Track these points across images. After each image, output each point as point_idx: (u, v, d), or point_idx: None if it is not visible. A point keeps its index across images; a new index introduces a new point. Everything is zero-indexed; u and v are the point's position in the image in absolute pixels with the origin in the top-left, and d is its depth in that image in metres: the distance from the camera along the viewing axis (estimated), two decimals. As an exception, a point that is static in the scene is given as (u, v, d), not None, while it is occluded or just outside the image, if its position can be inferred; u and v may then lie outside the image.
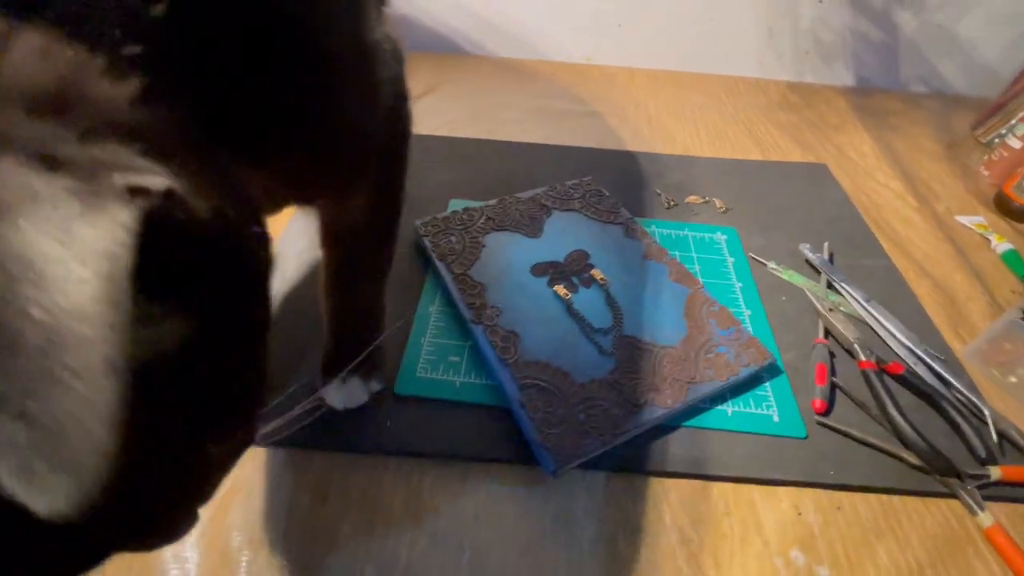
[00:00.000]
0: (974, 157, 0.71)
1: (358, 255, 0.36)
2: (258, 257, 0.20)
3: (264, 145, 0.23)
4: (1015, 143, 0.62)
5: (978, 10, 0.76)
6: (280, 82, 0.23)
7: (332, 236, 0.35)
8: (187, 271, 0.16)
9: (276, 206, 0.29)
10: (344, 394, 0.36)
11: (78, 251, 0.13)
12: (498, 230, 0.49)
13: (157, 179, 0.15)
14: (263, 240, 0.21)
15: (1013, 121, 0.69)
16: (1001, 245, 0.55)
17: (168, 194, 0.15)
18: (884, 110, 0.80)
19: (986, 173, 0.66)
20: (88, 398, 0.13)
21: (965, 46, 0.80)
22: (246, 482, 0.34)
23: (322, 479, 0.34)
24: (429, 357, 0.41)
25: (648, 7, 0.79)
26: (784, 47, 0.82)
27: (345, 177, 0.31)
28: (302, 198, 0.32)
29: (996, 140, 0.71)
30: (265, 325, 0.21)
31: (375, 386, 0.37)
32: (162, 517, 0.19)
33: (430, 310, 0.44)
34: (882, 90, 0.84)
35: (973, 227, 0.58)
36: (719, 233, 0.54)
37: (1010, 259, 0.54)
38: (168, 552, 0.31)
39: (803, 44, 0.81)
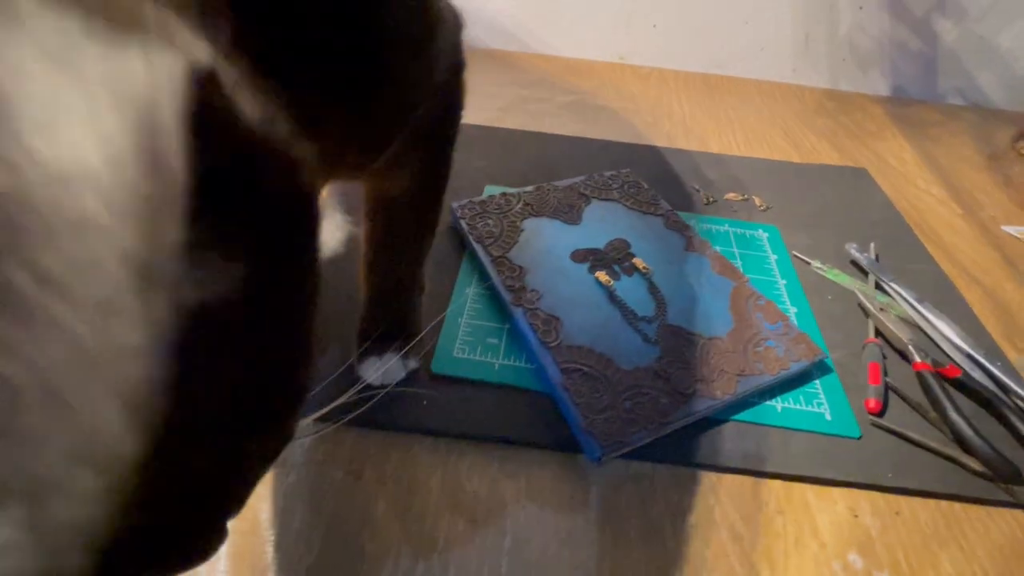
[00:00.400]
0: (1016, 169, 0.69)
1: (402, 228, 0.35)
2: (311, 200, 0.17)
3: (317, 107, 0.21)
4: (1064, 154, 0.61)
5: (1022, 21, 0.75)
6: (340, 43, 0.21)
7: (376, 208, 0.34)
8: (240, 185, 0.13)
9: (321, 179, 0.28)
10: (381, 370, 0.35)
11: (98, 89, 0.09)
12: (536, 216, 0.48)
13: (203, 51, 0.12)
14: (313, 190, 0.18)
15: (1058, 133, 0.67)
16: (1053, 255, 0.53)
17: (210, 77, 0.12)
18: (921, 120, 0.78)
19: (1031, 184, 0.64)
20: (103, 371, 0.10)
21: (1006, 57, 0.79)
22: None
23: (356, 455, 0.33)
24: (466, 338, 0.39)
25: (683, 9, 0.79)
26: (820, 53, 0.81)
27: (396, 145, 0.29)
28: (350, 168, 0.30)
29: (1040, 152, 0.69)
30: (316, 289, 0.18)
31: (412, 364, 0.36)
32: (191, 530, 0.15)
33: (466, 292, 0.43)
34: (918, 100, 0.83)
35: (1020, 237, 0.57)
36: (760, 230, 0.52)
37: (1063, 269, 0.52)
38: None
39: (840, 51, 0.80)
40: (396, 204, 0.34)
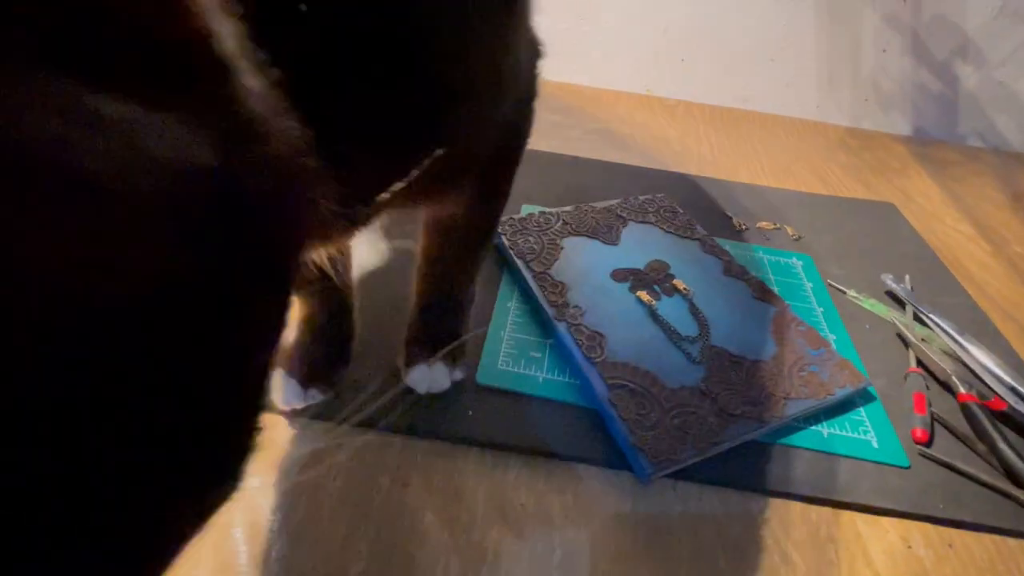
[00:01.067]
0: (1040, 210, 0.70)
1: (458, 246, 0.35)
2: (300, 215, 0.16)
3: (394, 138, 0.21)
4: (1090, 196, 0.62)
5: (1039, 71, 0.77)
6: (424, 74, 0.20)
7: (435, 226, 0.34)
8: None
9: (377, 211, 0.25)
10: (429, 378, 0.35)
11: None
12: (575, 234, 0.49)
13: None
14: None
15: (1082, 177, 0.68)
16: (1086, 294, 0.53)
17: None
18: (943, 160, 0.80)
19: (1057, 225, 0.65)
20: None
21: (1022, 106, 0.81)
22: (324, 457, 0.32)
23: (403, 463, 0.33)
24: (510, 351, 0.39)
25: (710, 44, 0.81)
26: (843, 92, 0.83)
27: (466, 173, 0.29)
28: (415, 195, 0.27)
29: (1063, 195, 0.70)
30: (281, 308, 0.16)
31: (458, 375, 0.36)
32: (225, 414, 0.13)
33: (508, 306, 0.43)
34: (939, 141, 0.84)
35: (1051, 275, 0.57)
36: (794, 258, 0.53)
37: (1097, 308, 0.52)
38: (238, 521, 0.29)
39: (863, 91, 0.82)
40: (455, 223, 0.34)
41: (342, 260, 0.34)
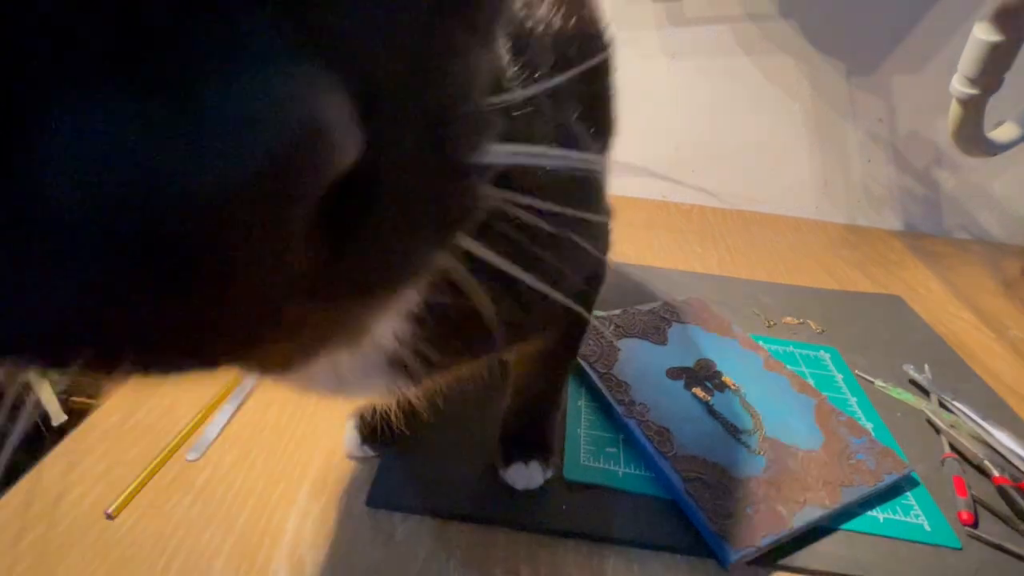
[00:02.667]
0: (1032, 297, 0.77)
1: (545, 369, 0.40)
2: None
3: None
4: (1075, 286, 0.69)
5: (1010, 171, 0.88)
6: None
7: (521, 358, 0.39)
8: None
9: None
10: (526, 476, 0.40)
11: None
12: (628, 336, 0.55)
13: None
14: None
15: (1063, 267, 0.76)
16: (1089, 377, 0.59)
17: None
18: (936, 252, 0.88)
19: (1050, 312, 0.72)
20: None
21: (1001, 201, 0.91)
22: (440, 552, 0.36)
23: (510, 555, 0.36)
24: (588, 447, 0.44)
25: (717, 157, 0.93)
26: (838, 194, 0.94)
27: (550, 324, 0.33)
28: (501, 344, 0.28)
29: (1050, 283, 0.78)
30: None
31: (549, 472, 0.41)
32: None
33: (579, 404, 0.48)
34: (930, 235, 0.94)
35: (1054, 360, 0.63)
36: (822, 351, 0.59)
37: (1101, 391, 0.57)
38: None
39: (855, 193, 0.93)
40: (541, 354, 0.38)
41: None
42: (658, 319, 0.58)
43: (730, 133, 0.90)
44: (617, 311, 0.59)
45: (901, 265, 0.83)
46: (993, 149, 0.47)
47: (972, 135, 0.44)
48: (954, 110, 0.45)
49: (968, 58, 0.40)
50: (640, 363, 0.52)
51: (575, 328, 0.38)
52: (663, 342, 0.55)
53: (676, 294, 0.64)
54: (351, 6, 0.09)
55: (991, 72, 0.39)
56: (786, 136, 0.89)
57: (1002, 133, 0.46)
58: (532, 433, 0.41)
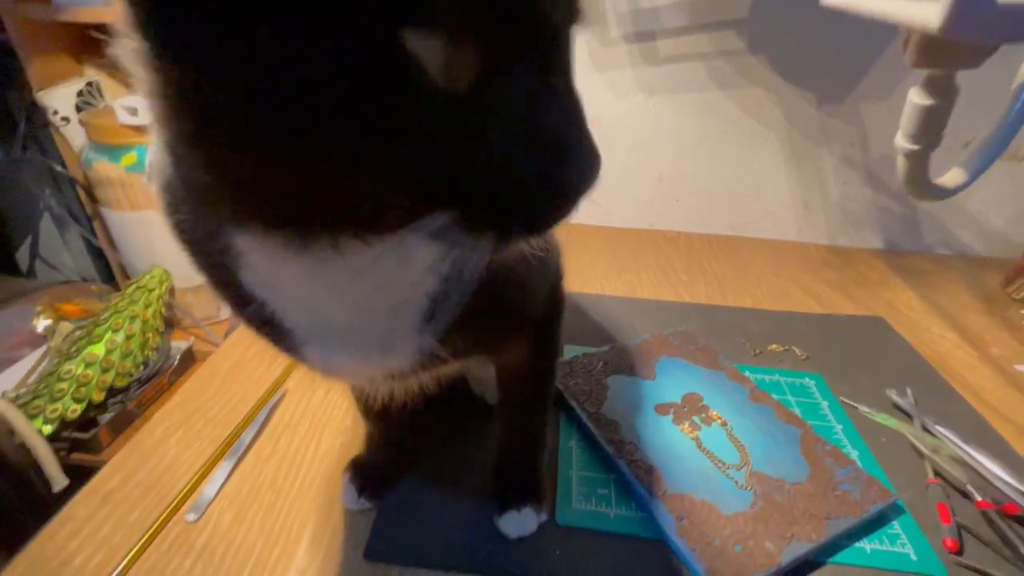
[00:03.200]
0: (1012, 311, 0.79)
1: (526, 392, 0.43)
2: None
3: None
4: (1050, 301, 0.71)
5: (983, 187, 0.90)
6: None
7: (503, 378, 0.43)
8: None
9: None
10: (519, 524, 0.41)
11: None
12: (617, 373, 0.56)
13: None
14: None
15: (1040, 281, 0.78)
16: (1068, 393, 0.60)
17: None
18: (918, 269, 0.90)
19: (1030, 326, 0.74)
20: None
21: (977, 217, 0.94)
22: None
23: (507, 606, 0.37)
24: (581, 488, 0.45)
25: (700, 185, 0.95)
26: (818, 216, 0.96)
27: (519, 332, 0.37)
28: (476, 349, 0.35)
29: (1029, 297, 0.80)
30: None
31: (542, 517, 0.42)
32: None
33: (570, 445, 0.49)
34: (911, 252, 0.96)
35: (1035, 375, 0.64)
36: (807, 378, 0.60)
37: (1081, 406, 0.58)
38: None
39: (835, 215, 0.96)
40: (520, 372, 0.41)
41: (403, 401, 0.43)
42: (645, 353, 0.60)
43: (710, 162, 0.93)
44: (606, 347, 0.60)
45: (884, 285, 0.85)
46: (942, 194, 0.49)
47: (920, 183, 0.46)
48: (901, 162, 0.47)
49: (907, 118, 0.43)
50: (629, 400, 0.53)
51: (545, 349, 0.41)
52: (651, 377, 0.56)
53: (664, 327, 0.65)
54: None
55: (929, 131, 0.42)
56: (764, 163, 0.92)
57: (950, 179, 0.49)
58: (522, 477, 0.43)
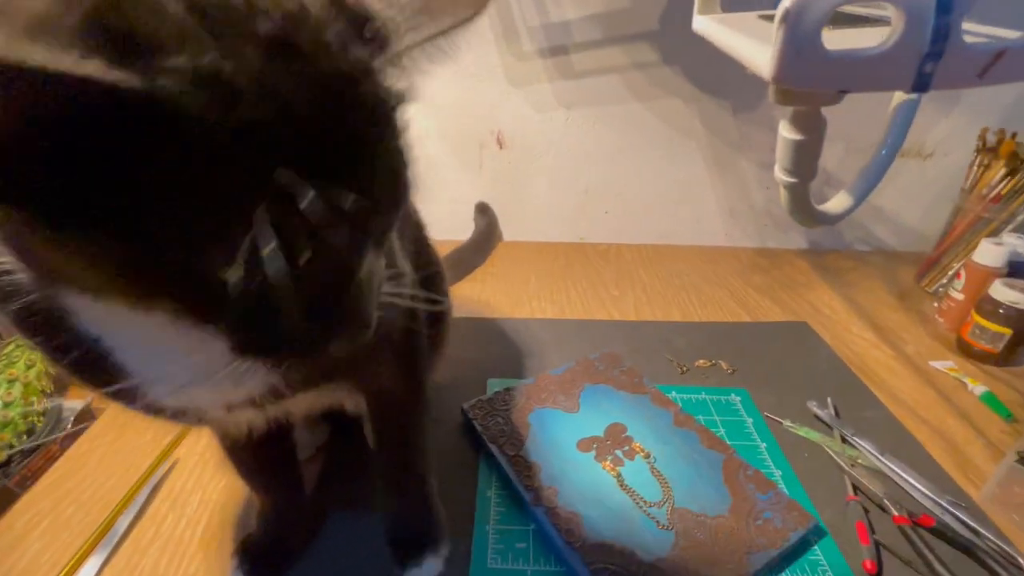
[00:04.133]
0: (925, 305, 0.82)
1: (396, 425, 0.40)
2: None
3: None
4: (958, 295, 0.74)
5: (892, 184, 0.94)
6: None
7: (370, 405, 0.39)
8: None
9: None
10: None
11: None
12: (539, 408, 0.54)
13: None
14: None
15: (950, 273, 0.82)
16: (977, 388, 0.62)
17: None
18: (838, 268, 0.93)
19: (941, 320, 0.76)
20: None
21: (890, 214, 0.97)
22: None
23: None
24: (497, 546, 0.42)
25: (626, 196, 0.95)
26: (746, 221, 0.97)
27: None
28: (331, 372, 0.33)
29: (940, 289, 0.83)
30: None
31: (444, 552, 0.40)
32: None
33: (488, 494, 0.47)
34: (832, 250, 0.99)
35: (947, 372, 0.66)
36: (733, 394, 0.59)
37: (989, 400, 0.60)
38: None
39: (760, 218, 0.97)
40: (386, 401, 0.39)
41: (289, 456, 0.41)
42: (569, 383, 0.58)
43: (636, 173, 0.92)
44: (531, 379, 0.58)
45: (807, 286, 0.86)
46: (828, 220, 0.49)
47: (804, 212, 0.46)
48: (783, 193, 0.47)
49: (780, 152, 0.42)
50: (551, 437, 0.50)
51: (410, 369, 0.39)
52: (575, 408, 0.54)
53: (592, 349, 0.63)
54: None
55: (802, 164, 0.42)
56: (688, 171, 0.92)
57: (835, 205, 0.49)
58: (415, 523, 0.40)
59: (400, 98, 0.21)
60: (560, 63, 0.83)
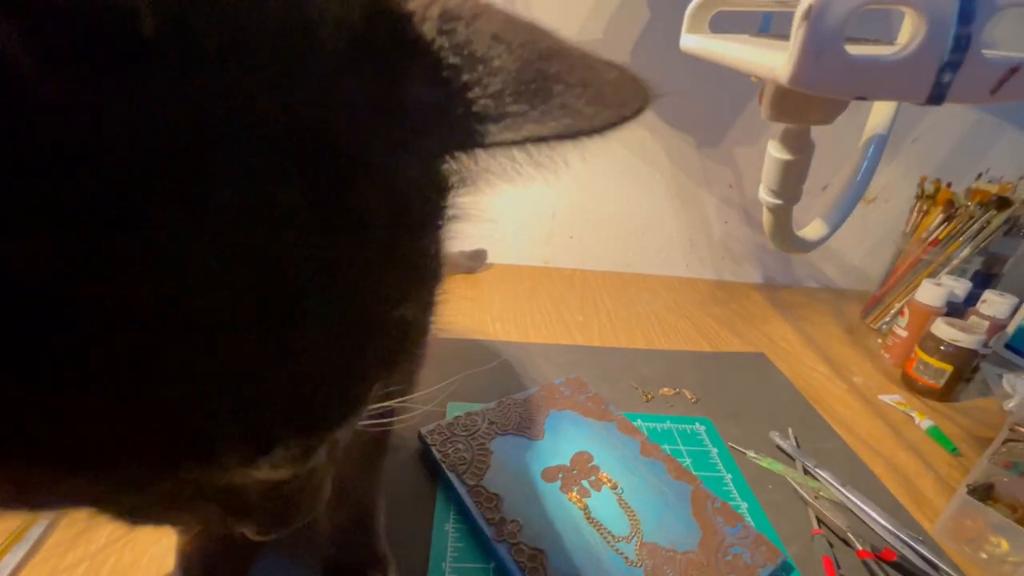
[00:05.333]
0: (871, 341, 0.85)
1: (350, 455, 0.37)
2: None
3: None
4: (902, 332, 0.77)
5: (840, 230, 0.99)
6: None
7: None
8: None
9: None
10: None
11: None
12: (502, 434, 0.51)
13: None
14: None
15: (893, 311, 0.86)
16: (924, 422, 0.64)
17: None
18: (791, 302, 0.96)
19: (887, 356, 0.79)
20: None
21: (836, 252, 1.02)
22: None
23: None
24: (454, 586, 0.38)
25: (592, 223, 0.95)
26: (704, 253, 1.00)
27: None
28: None
29: (884, 327, 0.87)
30: None
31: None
32: None
33: (446, 528, 0.43)
34: (785, 286, 1.02)
35: (895, 405, 0.68)
36: (697, 423, 0.59)
37: (935, 435, 0.62)
38: None
39: (719, 251, 1.00)
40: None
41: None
42: (533, 408, 0.55)
43: (601, 200, 0.93)
44: (492, 404, 0.55)
45: (764, 319, 0.88)
46: (805, 246, 0.50)
47: (785, 237, 0.47)
48: (766, 216, 0.48)
49: (767, 172, 0.43)
50: (514, 466, 0.47)
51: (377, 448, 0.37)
52: (539, 436, 0.52)
53: (556, 374, 0.61)
54: None
55: (788, 185, 0.43)
56: (652, 202, 0.94)
57: (811, 232, 0.50)
58: (358, 551, 0.36)
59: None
60: (532, 87, 0.83)
